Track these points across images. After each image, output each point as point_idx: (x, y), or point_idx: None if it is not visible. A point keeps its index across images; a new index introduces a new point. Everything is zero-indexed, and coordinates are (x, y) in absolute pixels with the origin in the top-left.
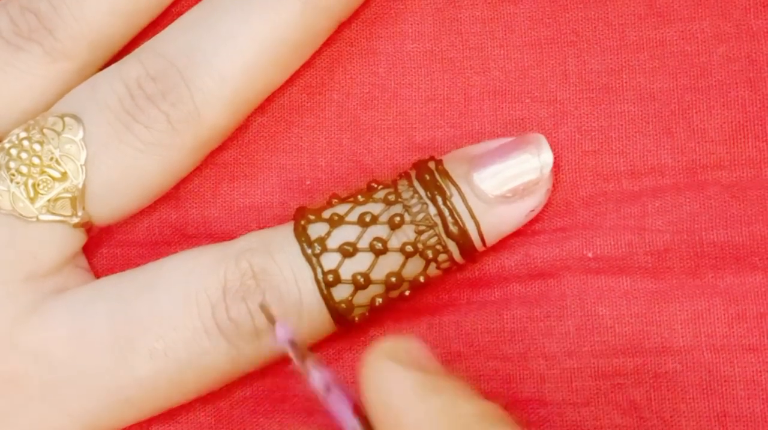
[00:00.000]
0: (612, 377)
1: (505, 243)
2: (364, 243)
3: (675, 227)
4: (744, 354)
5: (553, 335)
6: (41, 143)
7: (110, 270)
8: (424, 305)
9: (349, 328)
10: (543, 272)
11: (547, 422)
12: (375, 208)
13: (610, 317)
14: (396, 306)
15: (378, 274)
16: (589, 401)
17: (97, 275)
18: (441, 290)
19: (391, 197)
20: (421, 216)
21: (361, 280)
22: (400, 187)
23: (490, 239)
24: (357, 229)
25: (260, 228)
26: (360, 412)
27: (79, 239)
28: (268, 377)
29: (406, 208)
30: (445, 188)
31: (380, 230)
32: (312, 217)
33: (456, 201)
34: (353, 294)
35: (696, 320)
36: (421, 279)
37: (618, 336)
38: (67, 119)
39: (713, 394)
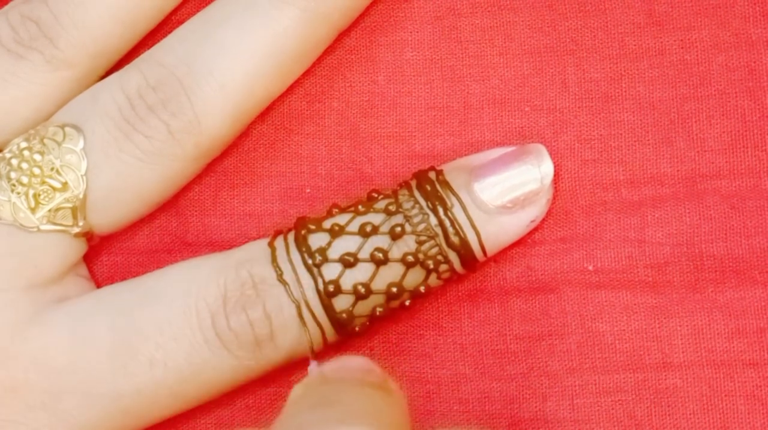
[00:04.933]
0: (613, 393)
1: (505, 254)
2: (365, 253)
3: (675, 240)
4: (744, 369)
5: (555, 354)
6: (42, 153)
7: (111, 277)
8: (426, 320)
9: (350, 337)
10: (543, 286)
11: None
12: (376, 218)
13: (610, 333)
14: (398, 318)
15: (379, 284)
16: (591, 418)
17: (98, 283)
18: (442, 302)
19: (392, 207)
20: (422, 226)
21: (362, 290)
22: (401, 197)
23: (491, 249)
24: (358, 239)
25: (260, 236)
26: None
27: (79, 248)
28: (271, 386)
29: (407, 218)
30: (446, 199)
31: (381, 241)
32: (312, 227)
33: (457, 211)
34: (354, 304)
35: (696, 335)
36: (422, 289)
37: (618, 352)
38: (67, 129)
39: (714, 409)
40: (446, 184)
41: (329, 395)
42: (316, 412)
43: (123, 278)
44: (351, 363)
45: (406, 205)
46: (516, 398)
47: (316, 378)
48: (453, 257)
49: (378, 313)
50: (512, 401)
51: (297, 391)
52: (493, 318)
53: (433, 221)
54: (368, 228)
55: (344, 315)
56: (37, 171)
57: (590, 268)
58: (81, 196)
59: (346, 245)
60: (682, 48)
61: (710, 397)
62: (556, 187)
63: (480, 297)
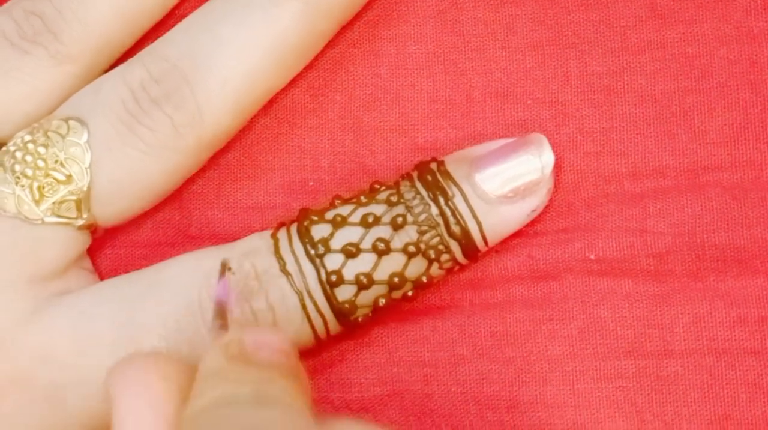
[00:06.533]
0: (614, 379)
1: (507, 244)
2: (366, 244)
3: (676, 230)
4: (745, 358)
5: (555, 338)
6: (46, 146)
7: (114, 270)
8: (427, 307)
9: (352, 328)
10: (545, 274)
11: (548, 424)
12: (377, 209)
13: (611, 319)
14: (399, 307)
15: (381, 274)
16: (591, 403)
17: (101, 275)
18: (444, 291)
19: (394, 198)
20: (423, 216)
21: (364, 280)
22: (403, 188)
23: (493, 239)
24: (360, 230)
25: (263, 229)
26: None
27: (83, 241)
28: None
29: (409, 208)
30: (447, 189)
31: (383, 231)
32: (315, 218)
33: (458, 201)
34: (356, 295)
35: (697, 323)
36: (424, 279)
37: (620, 339)
38: (71, 122)
39: (715, 397)
40: (447, 175)
41: (245, 376)
42: (234, 391)
43: (126, 271)
44: (271, 342)
45: (408, 196)
46: (515, 380)
47: (235, 349)
48: (454, 246)
49: (380, 303)
50: (511, 384)
51: (214, 360)
52: (494, 302)
53: (434, 211)
54: (370, 219)
55: (347, 305)
56: (41, 164)
57: (592, 257)
58: (85, 188)
59: (348, 235)
60: (684, 41)
61: (711, 385)
62: (558, 180)
63: (481, 284)
